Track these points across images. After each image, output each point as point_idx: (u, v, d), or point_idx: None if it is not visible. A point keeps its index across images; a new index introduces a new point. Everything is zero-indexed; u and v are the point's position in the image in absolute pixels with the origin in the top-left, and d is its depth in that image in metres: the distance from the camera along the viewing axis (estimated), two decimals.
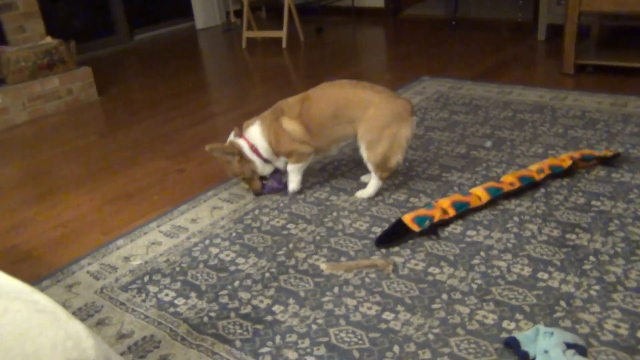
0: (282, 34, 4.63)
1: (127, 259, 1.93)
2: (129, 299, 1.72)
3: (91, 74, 3.70)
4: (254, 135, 2.18)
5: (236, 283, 1.74)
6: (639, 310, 1.47)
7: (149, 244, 1.99)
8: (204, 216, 2.14)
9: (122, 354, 1.50)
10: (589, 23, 3.78)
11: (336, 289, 1.67)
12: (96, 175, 2.62)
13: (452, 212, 1.95)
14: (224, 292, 1.71)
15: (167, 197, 2.34)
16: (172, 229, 2.08)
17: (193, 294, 1.71)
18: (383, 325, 1.52)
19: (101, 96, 3.76)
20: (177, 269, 1.84)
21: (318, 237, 1.94)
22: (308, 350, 1.46)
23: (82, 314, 1.67)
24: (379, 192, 2.17)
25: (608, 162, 2.22)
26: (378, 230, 1.94)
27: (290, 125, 2.12)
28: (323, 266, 1.76)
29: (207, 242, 1.97)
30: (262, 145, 2.15)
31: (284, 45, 4.63)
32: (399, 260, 1.78)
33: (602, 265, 1.66)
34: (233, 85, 3.89)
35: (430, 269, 1.72)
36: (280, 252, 1.87)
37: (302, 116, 2.12)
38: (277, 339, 1.50)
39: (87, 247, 2.02)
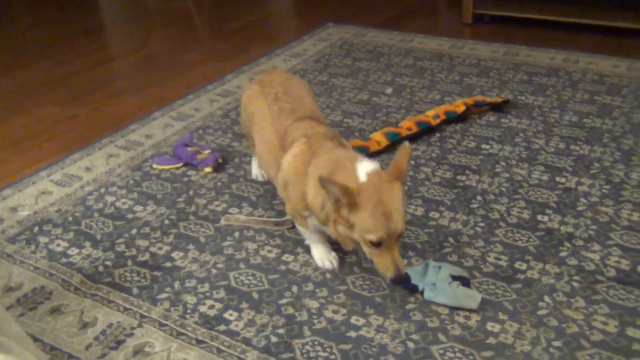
0: None
1: (14, 209, 1.82)
2: (17, 250, 1.64)
3: None
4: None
5: (134, 231, 1.70)
6: (518, 244, 1.59)
7: (38, 194, 1.89)
8: (99, 164, 2.05)
9: (9, 307, 1.43)
10: None
11: (237, 234, 1.68)
12: None
13: None
14: (120, 240, 1.66)
15: (59, 145, 2.22)
16: (64, 177, 1.98)
17: (87, 244, 1.65)
18: (282, 267, 1.55)
19: None
20: (70, 218, 1.76)
21: (219, 184, 1.92)
22: (207, 294, 1.46)
23: None
24: None
25: (498, 107, 2.34)
26: None
27: None
28: (222, 219, 1.74)
29: (102, 190, 1.90)
30: None
31: None
32: None
33: (488, 204, 1.77)
34: (131, 28, 3.68)
35: None
36: (180, 199, 1.84)
37: None
38: (176, 284, 1.50)
39: None
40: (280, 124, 1.55)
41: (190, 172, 1.98)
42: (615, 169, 1.92)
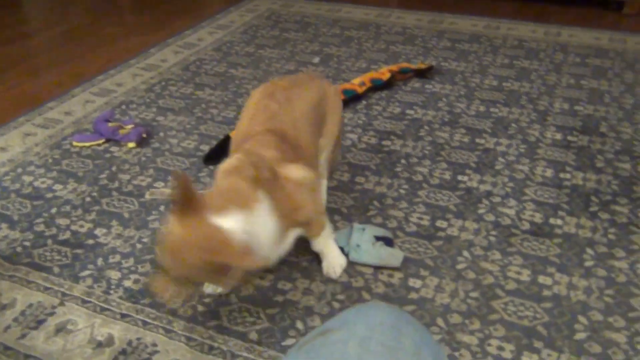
0: None
1: None
2: None
3: None
4: None
5: (53, 210, 1.64)
6: (439, 203, 1.65)
7: None
8: (15, 144, 1.96)
9: None
10: None
11: (163, 208, 1.65)
12: None
13: None
14: (39, 220, 1.61)
15: None
16: None
17: (4, 225, 1.59)
18: None
19: None
20: None
21: (144, 159, 1.88)
22: (132, 268, 1.44)
23: None
24: (207, 110, 2.15)
25: (423, 74, 2.39)
26: (206, 148, 1.92)
27: None
28: (147, 194, 1.70)
29: (19, 170, 1.82)
30: None
31: None
32: None
33: (411, 167, 1.81)
34: (45, 2, 3.51)
35: None
36: (103, 176, 1.79)
37: None
38: (99, 261, 1.46)
39: None
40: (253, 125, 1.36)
41: (113, 148, 1.93)
42: (531, 129, 2.00)
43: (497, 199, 1.66)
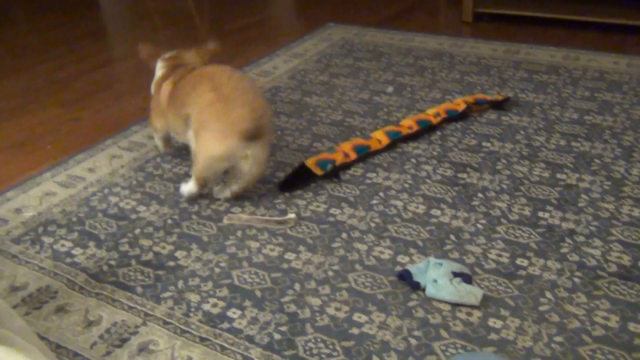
0: None
1: (18, 210, 1.83)
2: (22, 251, 1.65)
3: None
4: None
5: (137, 231, 1.71)
6: (519, 240, 1.60)
7: (42, 195, 1.90)
8: (102, 165, 2.07)
9: (15, 306, 1.45)
10: None
11: (239, 233, 1.69)
12: None
13: (353, 156, 2.00)
14: (124, 240, 1.68)
15: (62, 146, 2.23)
16: (68, 179, 1.99)
17: (91, 244, 1.67)
18: (285, 265, 1.56)
19: None
20: (74, 219, 1.78)
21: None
22: (211, 292, 1.47)
23: None
24: (282, 137, 2.19)
25: (499, 105, 2.35)
26: (282, 175, 1.95)
27: None
28: (225, 219, 1.75)
29: (106, 191, 1.91)
30: None
31: None
32: (301, 203, 1.81)
33: (489, 201, 1.78)
34: (132, 30, 3.70)
35: (332, 210, 1.77)
36: (183, 199, 1.85)
37: None
38: (180, 283, 1.51)
39: None
40: None
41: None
42: (616, 165, 1.93)
43: (581, 238, 1.60)
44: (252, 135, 1.64)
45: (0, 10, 4.18)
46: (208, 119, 1.68)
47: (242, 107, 1.67)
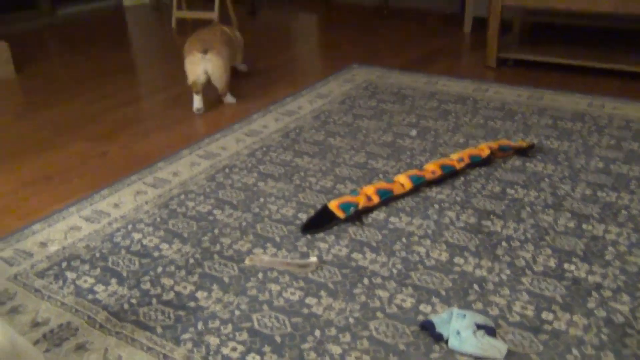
0: (214, 15, 4.54)
1: (43, 244, 1.86)
2: (45, 285, 1.66)
3: (7, 49, 3.50)
4: None
5: (159, 269, 1.72)
6: (545, 293, 1.57)
7: (67, 229, 1.93)
8: (127, 201, 2.09)
9: (36, 342, 1.45)
10: (512, 18, 3.94)
11: (260, 275, 1.68)
12: (11, 157, 2.50)
13: (376, 199, 2.00)
14: (146, 278, 1.68)
15: (89, 180, 2.27)
16: (93, 213, 2.02)
17: (113, 281, 1.67)
18: (305, 310, 1.54)
19: (19, 74, 3.57)
20: (97, 254, 1.79)
21: (244, 223, 1.94)
22: (230, 336, 1.46)
23: None
24: (306, 178, 2.20)
25: (523, 152, 2.34)
26: (304, 217, 1.96)
27: None
28: (247, 260, 1.75)
29: (129, 227, 1.93)
30: None
31: None
32: (323, 246, 1.81)
33: (513, 251, 1.75)
34: (161, 67, 3.79)
35: (354, 255, 1.76)
36: (205, 238, 1.86)
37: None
38: (200, 325, 1.50)
39: (0, 232, 1.93)
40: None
41: (215, 211, 2.01)
42: None
43: (608, 293, 1.56)
44: (203, 51, 2.85)
45: (37, 46, 4.32)
46: (186, 48, 2.96)
47: (199, 40, 2.93)
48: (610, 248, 1.75)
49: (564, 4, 3.24)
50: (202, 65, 2.85)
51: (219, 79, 2.93)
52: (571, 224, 1.87)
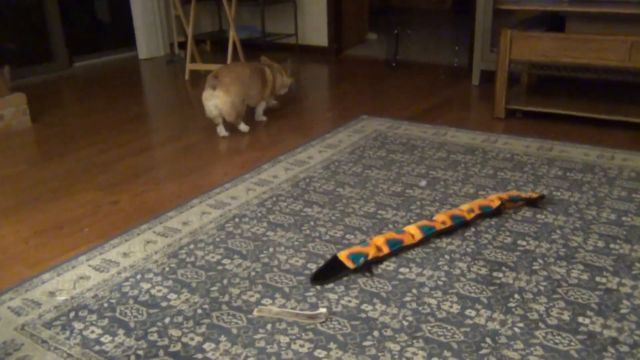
0: None
1: (52, 294, 1.85)
2: (52, 336, 1.65)
3: (25, 100, 3.59)
4: None
5: (167, 320, 1.70)
6: (559, 347, 1.54)
7: (76, 279, 1.92)
8: (137, 250, 2.09)
9: None
10: (520, 71, 4.00)
11: (269, 326, 1.66)
12: (24, 205, 2.52)
13: (386, 250, 1.99)
14: (153, 329, 1.66)
15: (99, 229, 2.28)
16: (102, 263, 2.02)
17: (121, 331, 1.66)
18: None
19: (35, 124, 3.64)
20: (105, 304, 1.78)
21: (253, 273, 1.93)
22: None
23: (0, 352, 1.58)
24: (315, 228, 2.20)
25: (533, 203, 2.33)
26: (314, 267, 1.95)
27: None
28: (255, 311, 1.73)
29: (138, 277, 1.92)
30: None
31: None
32: (332, 297, 1.79)
33: (526, 303, 1.72)
34: (174, 117, 3.86)
35: (363, 306, 1.74)
36: (214, 288, 1.85)
37: None
38: None
39: (9, 281, 1.93)
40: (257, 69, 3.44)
41: (224, 261, 2.00)
42: None
43: (625, 348, 1.52)
44: (212, 87, 3.18)
45: (53, 97, 4.43)
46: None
47: (213, 77, 3.21)
48: (625, 301, 1.71)
49: (569, 58, 3.30)
50: (212, 101, 3.19)
51: (227, 114, 3.24)
52: (584, 276, 1.85)
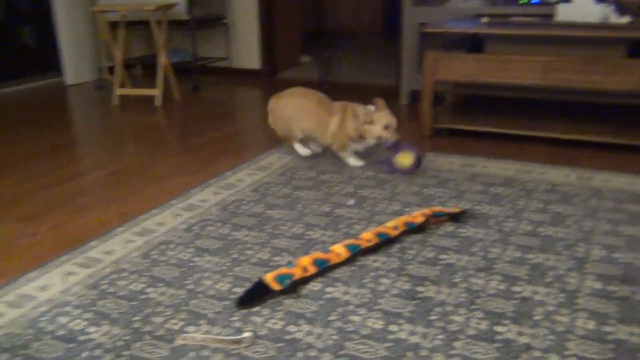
0: (156, 92, 4.60)
1: None
2: None
3: None
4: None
5: (85, 354, 1.64)
6: (477, 356, 1.58)
7: None
8: (56, 283, 2.02)
9: None
10: (444, 91, 4.15)
11: (192, 354, 1.63)
12: None
13: (312, 270, 2.00)
14: None
15: (15, 263, 2.18)
16: (17, 298, 1.93)
17: None
18: None
19: None
20: (19, 342, 1.70)
21: (177, 300, 1.89)
22: None
23: None
24: (243, 251, 2.19)
25: (456, 218, 2.41)
26: (240, 291, 1.93)
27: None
28: (178, 339, 1.70)
29: (56, 311, 1.85)
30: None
31: (157, 103, 4.59)
32: (258, 320, 1.78)
33: (446, 315, 1.77)
34: (101, 144, 3.77)
35: (289, 328, 1.74)
36: (136, 318, 1.80)
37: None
38: None
39: None
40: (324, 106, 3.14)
41: (148, 290, 1.96)
42: (569, 277, 1.96)
43: (538, 353, 1.58)
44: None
45: None
46: None
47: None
48: (538, 308, 1.79)
49: (489, 78, 3.45)
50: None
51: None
52: (502, 287, 1.91)
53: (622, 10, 3.41)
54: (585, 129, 3.43)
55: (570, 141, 3.37)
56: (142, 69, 5.92)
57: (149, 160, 3.34)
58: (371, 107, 2.98)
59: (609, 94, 3.76)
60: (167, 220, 2.50)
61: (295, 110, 3.13)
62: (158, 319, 1.79)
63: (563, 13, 3.48)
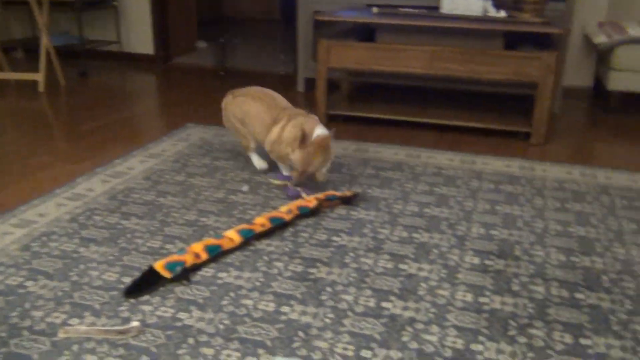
0: (39, 76, 4.32)
1: None
2: None
3: None
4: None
5: None
6: (364, 332, 1.64)
7: None
8: None
9: None
10: (339, 78, 4.23)
11: (75, 347, 1.56)
12: None
13: (204, 256, 1.97)
14: None
15: None
16: None
17: None
18: None
19: None
20: None
21: (60, 293, 1.80)
22: None
23: None
24: (132, 240, 2.12)
25: (348, 201, 2.48)
26: (128, 280, 1.87)
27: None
28: (60, 332, 1.62)
29: None
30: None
31: (41, 89, 4.31)
32: (147, 308, 1.73)
33: (337, 295, 1.82)
34: None
35: (179, 315, 1.71)
36: (14, 314, 1.69)
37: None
38: None
39: None
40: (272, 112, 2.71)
41: (27, 283, 1.84)
42: (451, 253, 2.08)
43: (421, 326, 1.68)
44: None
45: None
46: None
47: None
48: (422, 284, 1.89)
49: (381, 66, 3.56)
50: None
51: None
52: (389, 265, 2.00)
53: (498, 4, 3.64)
54: (469, 116, 3.64)
55: (455, 127, 3.57)
56: (23, 52, 5.52)
57: (31, 148, 3.14)
58: (320, 130, 2.48)
59: (489, 83, 4.01)
60: (49, 210, 2.36)
61: (244, 113, 2.77)
62: (38, 313, 1.70)
63: (447, 5, 3.66)
